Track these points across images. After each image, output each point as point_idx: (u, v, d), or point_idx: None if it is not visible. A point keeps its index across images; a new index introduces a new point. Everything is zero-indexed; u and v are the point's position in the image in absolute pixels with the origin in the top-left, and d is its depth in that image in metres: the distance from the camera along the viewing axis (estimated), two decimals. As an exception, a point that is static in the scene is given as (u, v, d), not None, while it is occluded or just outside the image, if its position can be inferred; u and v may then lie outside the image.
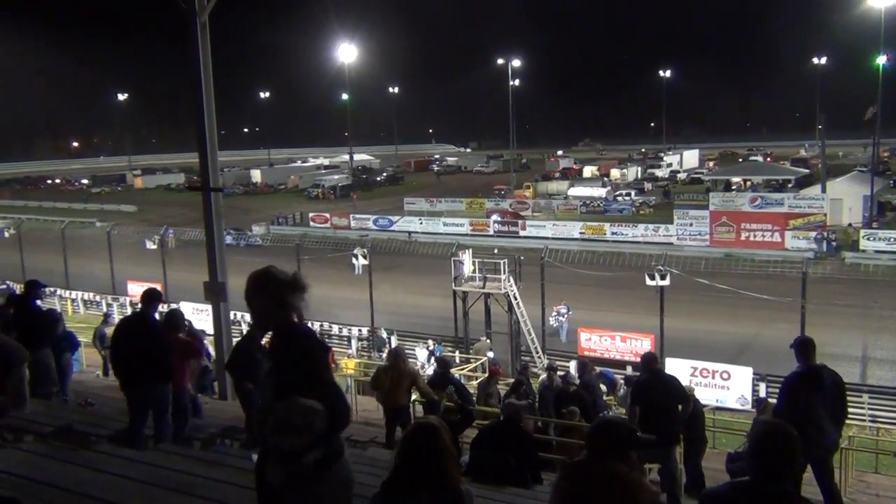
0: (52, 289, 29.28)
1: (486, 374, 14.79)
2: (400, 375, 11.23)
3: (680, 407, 9.09)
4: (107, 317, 19.57)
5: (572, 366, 16.90)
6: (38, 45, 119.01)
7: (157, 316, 8.52)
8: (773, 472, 3.45)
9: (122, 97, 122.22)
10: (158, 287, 28.77)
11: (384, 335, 23.21)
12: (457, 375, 15.08)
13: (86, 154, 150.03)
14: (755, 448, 3.51)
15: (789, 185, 54.22)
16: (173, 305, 27.92)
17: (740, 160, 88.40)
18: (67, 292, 30.29)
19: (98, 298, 30.06)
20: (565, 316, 25.13)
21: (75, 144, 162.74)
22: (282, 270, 3.85)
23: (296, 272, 3.88)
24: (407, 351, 21.43)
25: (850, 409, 17.88)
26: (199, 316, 25.54)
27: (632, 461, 3.80)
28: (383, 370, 12.07)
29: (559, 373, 13.59)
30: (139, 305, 8.17)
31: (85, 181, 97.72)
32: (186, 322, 10.48)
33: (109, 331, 16.95)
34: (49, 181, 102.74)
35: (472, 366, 19.56)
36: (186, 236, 31.52)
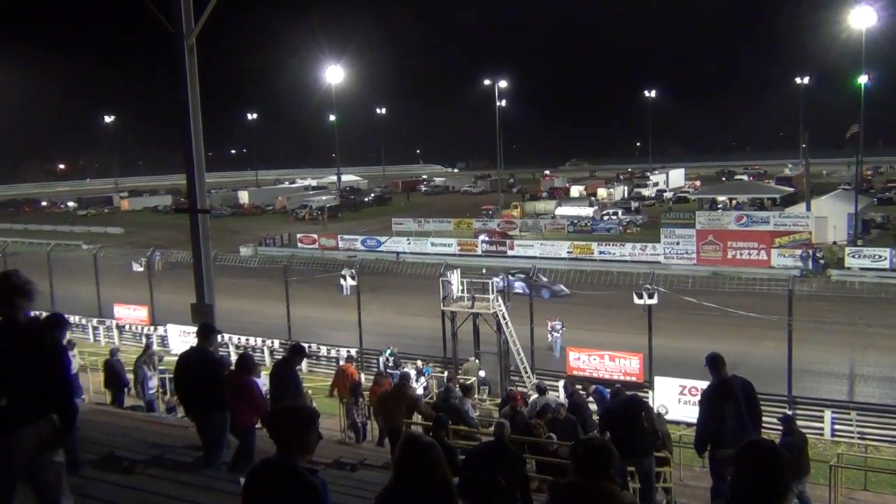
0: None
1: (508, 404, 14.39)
2: (398, 400, 11.37)
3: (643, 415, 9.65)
4: (148, 347, 19.22)
5: (561, 385, 16.89)
6: (25, 67, 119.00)
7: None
8: (769, 489, 3.42)
9: (108, 119, 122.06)
10: (146, 309, 28.74)
11: (396, 352, 23.09)
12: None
13: (72, 176, 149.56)
14: (745, 466, 3.49)
15: (776, 203, 54.62)
16: (160, 328, 27.90)
17: (723, 179, 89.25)
18: (53, 315, 30.01)
19: (84, 322, 29.81)
20: (560, 332, 25.23)
21: (62, 167, 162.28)
22: (17, 276, 4.72)
23: (28, 281, 4.71)
24: (393, 371, 21.41)
25: (838, 427, 18.17)
26: (187, 338, 25.42)
27: (616, 479, 3.81)
28: (387, 395, 12.18)
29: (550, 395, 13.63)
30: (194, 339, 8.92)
31: (71, 203, 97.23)
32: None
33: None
34: (35, 203, 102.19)
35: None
36: (174, 258, 31.38)
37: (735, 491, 3.51)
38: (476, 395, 19.18)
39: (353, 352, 24.38)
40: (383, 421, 12.37)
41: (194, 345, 8.64)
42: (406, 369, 20.12)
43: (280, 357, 14.12)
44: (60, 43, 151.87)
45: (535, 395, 14.65)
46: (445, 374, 19.03)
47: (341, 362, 20.61)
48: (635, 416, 9.50)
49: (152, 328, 28.46)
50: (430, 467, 3.52)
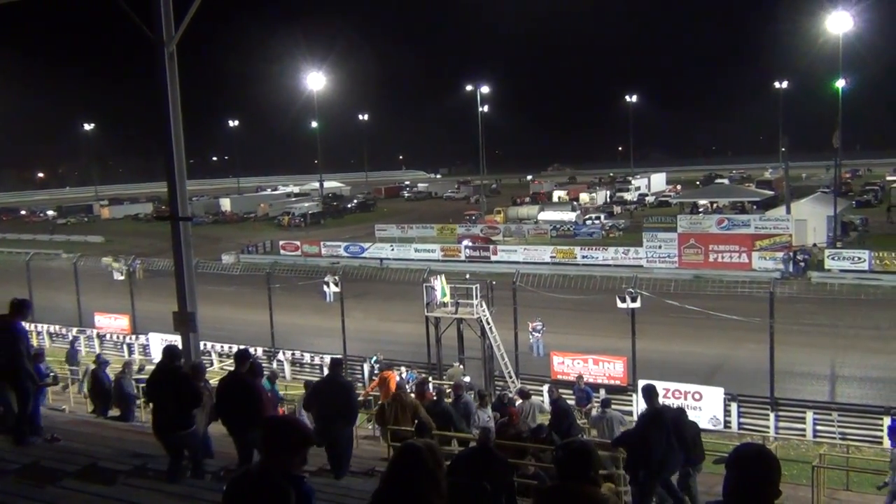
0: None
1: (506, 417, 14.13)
2: (404, 407, 11.34)
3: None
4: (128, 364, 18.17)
5: (546, 390, 16.94)
6: (1, 74, 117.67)
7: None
8: (760, 493, 3.43)
9: (88, 127, 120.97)
10: (127, 317, 28.38)
11: (382, 359, 23.05)
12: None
13: (52, 185, 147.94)
14: (740, 470, 3.49)
15: (754, 208, 55.06)
16: (142, 337, 27.67)
17: (697, 183, 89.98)
18: (33, 325, 29.68)
19: (64, 331, 29.53)
20: (541, 332, 25.32)
21: (41, 175, 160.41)
22: None
23: None
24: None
25: (820, 428, 18.33)
26: (169, 347, 25.18)
27: (599, 482, 3.83)
28: (387, 404, 12.11)
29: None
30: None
31: (51, 212, 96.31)
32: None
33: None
34: (13, 212, 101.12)
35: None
36: (155, 266, 31.17)
37: (728, 493, 3.52)
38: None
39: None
40: (384, 431, 12.22)
41: (232, 370, 9.47)
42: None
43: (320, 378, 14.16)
44: (39, 50, 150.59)
45: (519, 401, 14.65)
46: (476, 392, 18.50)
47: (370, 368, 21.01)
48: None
49: (134, 337, 28.23)
50: (419, 472, 3.50)
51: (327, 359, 24.35)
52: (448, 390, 14.92)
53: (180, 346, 11.57)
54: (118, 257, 38.17)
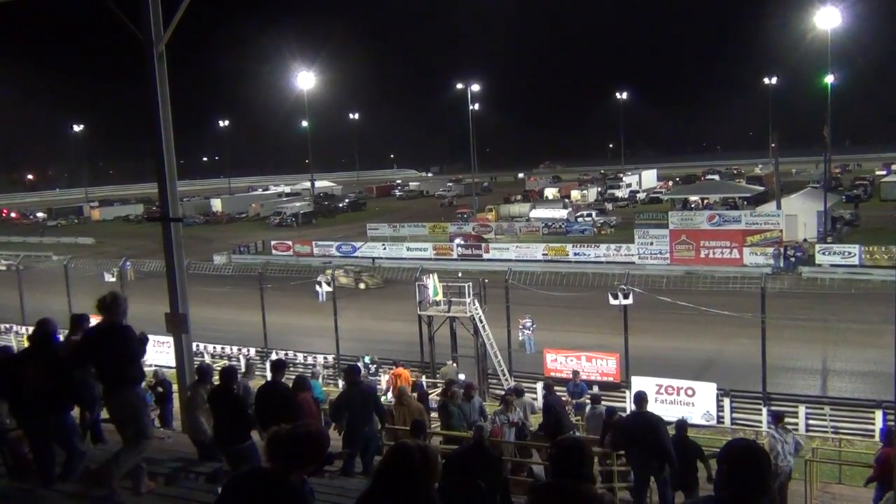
0: (7, 325, 28.57)
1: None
2: (410, 411, 11.53)
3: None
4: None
5: (540, 387, 16.96)
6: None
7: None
8: (749, 487, 3.44)
9: (77, 128, 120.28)
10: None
11: (377, 359, 23.03)
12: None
13: (41, 186, 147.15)
14: (730, 465, 3.50)
15: (745, 204, 55.21)
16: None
17: (677, 180, 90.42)
18: (24, 328, 29.49)
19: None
20: (530, 329, 25.33)
21: (30, 177, 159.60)
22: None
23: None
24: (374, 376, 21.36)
25: (812, 422, 18.39)
26: (161, 348, 25.11)
27: (594, 478, 3.82)
28: (395, 407, 12.30)
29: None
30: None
31: (41, 214, 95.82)
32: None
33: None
34: (3, 215, 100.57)
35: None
36: (147, 268, 31.04)
37: (718, 487, 3.53)
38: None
39: (331, 358, 24.26)
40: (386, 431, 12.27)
41: (269, 379, 9.96)
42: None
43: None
44: (27, 51, 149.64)
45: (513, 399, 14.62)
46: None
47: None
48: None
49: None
50: (408, 473, 3.48)
51: (320, 359, 24.39)
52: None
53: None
54: (346, 270, 35.59)
